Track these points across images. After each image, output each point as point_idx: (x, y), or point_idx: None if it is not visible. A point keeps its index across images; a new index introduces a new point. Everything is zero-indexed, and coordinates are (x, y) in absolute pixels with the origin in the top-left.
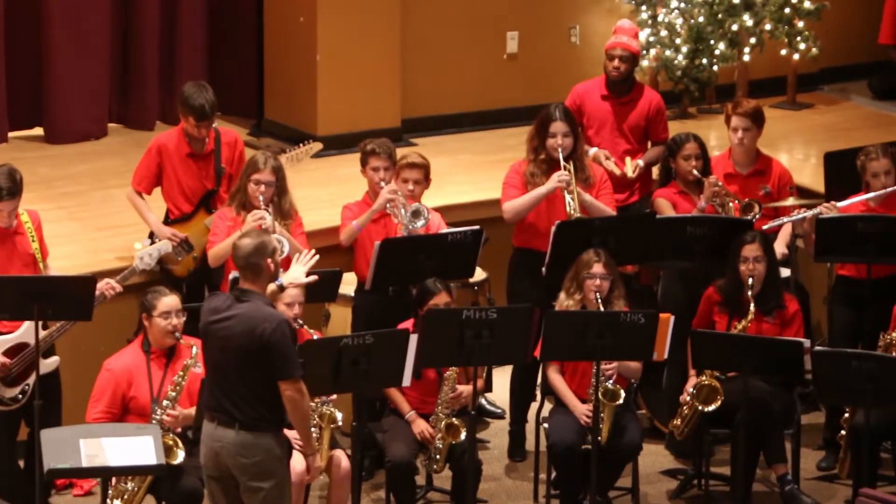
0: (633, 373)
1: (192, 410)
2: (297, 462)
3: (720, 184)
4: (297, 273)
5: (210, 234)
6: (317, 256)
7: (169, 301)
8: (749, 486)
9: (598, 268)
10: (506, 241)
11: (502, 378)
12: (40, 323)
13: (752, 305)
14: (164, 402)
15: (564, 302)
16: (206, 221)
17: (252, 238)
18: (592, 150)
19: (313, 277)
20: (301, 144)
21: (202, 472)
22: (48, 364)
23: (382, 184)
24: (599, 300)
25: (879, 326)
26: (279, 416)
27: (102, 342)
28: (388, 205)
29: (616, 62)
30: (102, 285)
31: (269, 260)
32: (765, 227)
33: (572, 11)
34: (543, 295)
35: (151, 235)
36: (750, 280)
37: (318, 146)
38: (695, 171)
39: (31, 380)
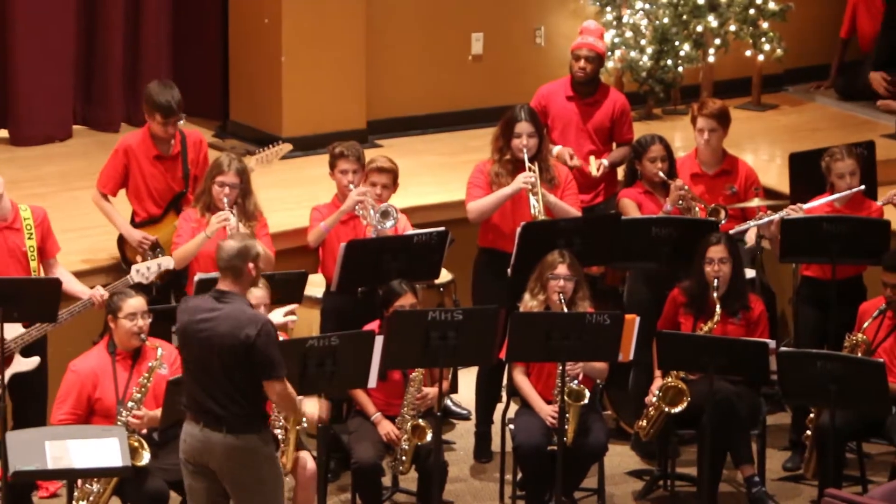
0: (598, 373)
1: (158, 412)
2: None
3: (686, 187)
4: (274, 317)
5: (175, 236)
6: (295, 318)
7: (135, 303)
8: (715, 487)
9: (562, 269)
10: (471, 242)
11: (468, 379)
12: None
13: (717, 307)
14: (130, 404)
15: (528, 303)
16: (175, 223)
17: (237, 241)
18: (556, 149)
19: (293, 318)
20: (271, 145)
21: (180, 466)
22: (27, 363)
23: (351, 186)
24: (563, 301)
25: (844, 327)
26: (264, 414)
27: (69, 344)
28: (356, 206)
29: (582, 62)
30: (94, 293)
31: (252, 264)
32: (731, 231)
33: (537, 13)
34: (509, 296)
35: (121, 239)
36: (715, 281)
37: (287, 147)
38: (660, 174)
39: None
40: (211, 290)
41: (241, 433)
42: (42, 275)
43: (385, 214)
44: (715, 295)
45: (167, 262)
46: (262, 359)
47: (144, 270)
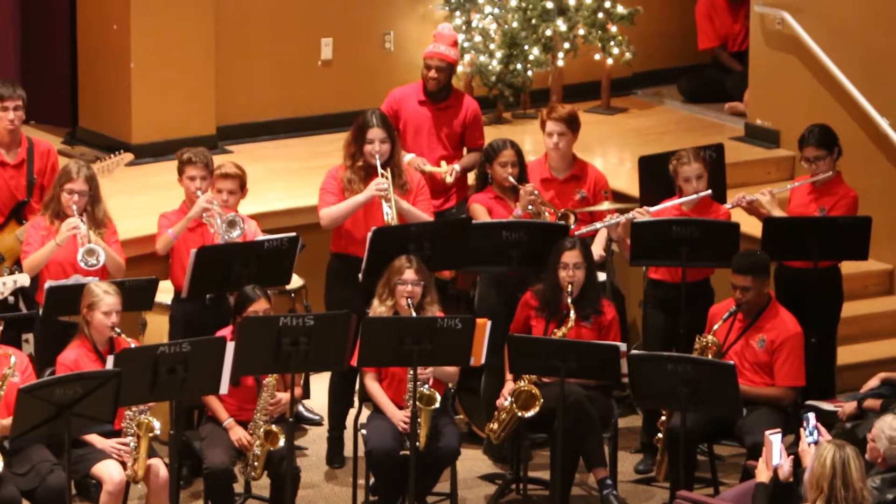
0: (449, 377)
1: (9, 420)
2: (115, 471)
3: (536, 192)
4: None
5: (24, 244)
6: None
7: None
8: (567, 491)
9: (409, 274)
10: (323, 247)
11: (320, 385)
12: None
13: (572, 312)
14: None
15: (377, 308)
16: (17, 232)
17: None
18: (408, 157)
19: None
20: (112, 155)
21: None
22: None
23: (199, 193)
24: (412, 306)
25: (694, 329)
26: None
27: None
28: (203, 214)
29: (433, 72)
30: None
31: None
32: (578, 231)
33: (386, 18)
34: (361, 301)
35: None
36: (569, 286)
37: (129, 157)
38: (511, 178)
39: None
40: None
41: None
42: None
43: (231, 224)
44: (569, 300)
45: (23, 280)
46: None
47: (1, 286)
